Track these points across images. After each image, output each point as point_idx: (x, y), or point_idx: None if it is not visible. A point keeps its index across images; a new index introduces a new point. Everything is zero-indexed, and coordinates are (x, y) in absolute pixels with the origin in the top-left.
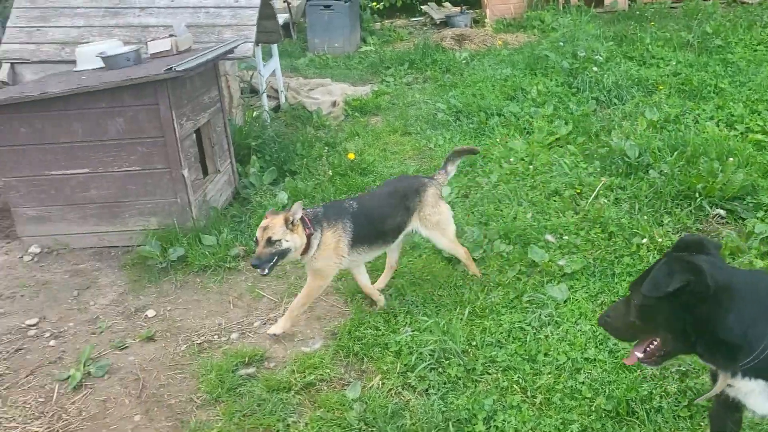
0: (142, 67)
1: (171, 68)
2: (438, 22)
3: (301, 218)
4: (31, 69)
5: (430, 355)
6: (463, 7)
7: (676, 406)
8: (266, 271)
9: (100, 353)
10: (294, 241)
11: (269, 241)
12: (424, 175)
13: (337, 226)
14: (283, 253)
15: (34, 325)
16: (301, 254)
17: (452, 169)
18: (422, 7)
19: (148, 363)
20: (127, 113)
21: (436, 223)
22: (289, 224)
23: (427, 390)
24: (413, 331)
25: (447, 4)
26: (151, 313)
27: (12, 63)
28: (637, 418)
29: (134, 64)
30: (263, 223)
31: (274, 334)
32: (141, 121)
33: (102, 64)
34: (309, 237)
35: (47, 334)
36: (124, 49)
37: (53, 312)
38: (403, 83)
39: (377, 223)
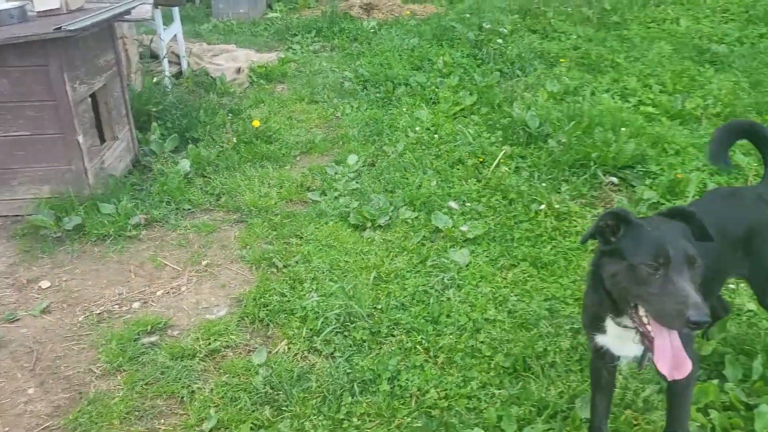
0: (28, 26)
1: (60, 27)
2: None
3: None
4: None
5: (336, 319)
6: None
7: (568, 360)
8: None
9: None
10: None
11: None
12: None
13: None
14: None
15: None
16: None
17: None
18: None
19: (43, 335)
20: (13, 74)
21: None
22: None
23: (332, 353)
24: (320, 296)
25: None
26: (45, 284)
27: None
28: (533, 373)
29: (19, 22)
30: None
31: None
32: (28, 83)
33: None
34: None
35: None
36: (6, 5)
37: None
38: (310, 51)
39: None
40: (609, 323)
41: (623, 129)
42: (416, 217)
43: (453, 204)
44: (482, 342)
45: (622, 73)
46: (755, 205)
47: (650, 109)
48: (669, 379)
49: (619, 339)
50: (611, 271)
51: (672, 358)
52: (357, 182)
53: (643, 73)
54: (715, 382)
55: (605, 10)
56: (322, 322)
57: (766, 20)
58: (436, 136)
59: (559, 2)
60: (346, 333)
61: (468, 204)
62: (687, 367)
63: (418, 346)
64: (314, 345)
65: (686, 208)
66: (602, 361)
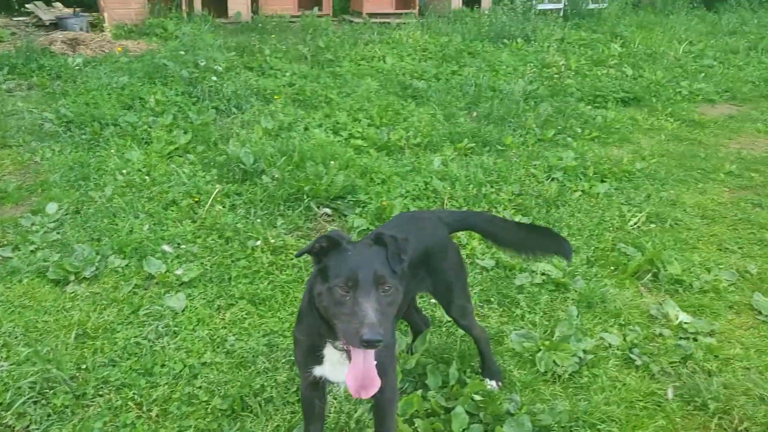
0: None
1: None
2: (47, 23)
3: None
4: None
5: (30, 387)
6: (77, 9)
7: (285, 393)
8: None
9: None
10: None
11: None
12: None
13: None
14: None
15: None
16: None
17: None
18: (27, 6)
19: None
20: None
21: None
22: None
23: (27, 427)
24: (10, 365)
25: (58, 4)
26: None
27: None
28: (251, 411)
29: None
30: None
31: None
32: None
33: None
34: None
35: None
36: None
37: None
38: (2, 90)
39: None
40: (328, 350)
41: (333, 162)
42: (127, 265)
43: (167, 247)
44: (199, 387)
45: (335, 108)
46: (433, 228)
47: (359, 141)
48: (354, 397)
49: (338, 365)
50: (317, 291)
51: (362, 377)
52: (58, 232)
53: (353, 107)
54: (419, 392)
55: (320, 47)
56: (13, 394)
57: (457, 59)
58: (147, 177)
59: (276, 40)
60: (44, 401)
61: (183, 246)
62: (375, 386)
63: (129, 402)
64: (4, 421)
65: (380, 232)
66: (315, 392)
